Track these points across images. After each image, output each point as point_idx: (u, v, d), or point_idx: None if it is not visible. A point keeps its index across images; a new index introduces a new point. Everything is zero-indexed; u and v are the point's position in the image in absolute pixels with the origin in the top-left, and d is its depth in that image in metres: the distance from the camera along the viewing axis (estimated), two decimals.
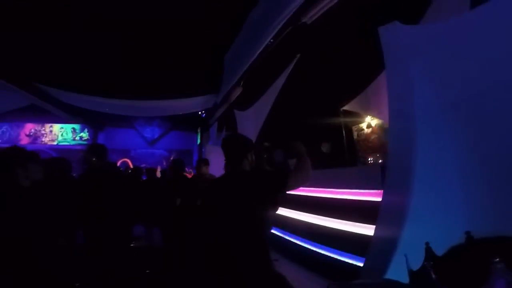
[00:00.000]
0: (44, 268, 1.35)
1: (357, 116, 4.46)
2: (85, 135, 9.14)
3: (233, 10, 4.16)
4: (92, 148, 2.16)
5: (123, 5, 4.25)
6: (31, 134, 8.91)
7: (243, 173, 1.33)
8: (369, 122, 4.37)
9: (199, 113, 7.33)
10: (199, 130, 9.06)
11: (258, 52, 3.61)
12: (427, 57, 1.26)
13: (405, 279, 1.21)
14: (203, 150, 8.58)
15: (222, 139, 1.70)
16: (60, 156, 7.66)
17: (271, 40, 3.36)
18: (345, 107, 4.23)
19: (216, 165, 5.54)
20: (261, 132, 4.64)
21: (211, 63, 5.42)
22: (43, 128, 9.00)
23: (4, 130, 8.77)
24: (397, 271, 1.27)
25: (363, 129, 4.51)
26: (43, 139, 8.98)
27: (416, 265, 1.17)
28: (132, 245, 2.88)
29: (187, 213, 2.75)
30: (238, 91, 4.98)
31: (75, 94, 5.60)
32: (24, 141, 8.81)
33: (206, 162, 3.35)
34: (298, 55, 3.34)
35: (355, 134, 4.66)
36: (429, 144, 1.19)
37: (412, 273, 1.15)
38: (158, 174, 9.04)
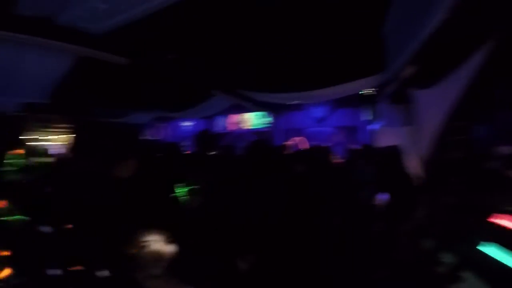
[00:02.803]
0: None
1: None
2: (269, 119, 11.30)
3: None
4: None
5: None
6: (235, 122, 12.18)
7: None
8: None
9: (365, 91, 7.04)
10: (366, 106, 8.66)
11: (431, 29, 2.95)
12: None
13: None
14: (370, 128, 8.22)
15: None
16: (258, 137, 10.17)
17: (446, 14, 2.62)
18: None
19: None
20: (452, 113, 3.87)
21: (368, 40, 4.97)
22: (241, 117, 12.01)
23: (220, 121, 12.53)
24: None
25: None
26: (241, 125, 12.04)
27: None
28: None
29: None
30: (411, 68, 4.31)
31: (262, 93, 7.15)
32: (231, 127, 12.26)
33: None
34: (498, 31, 2.40)
35: None
36: None
37: None
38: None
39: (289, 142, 10.65)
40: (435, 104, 4.15)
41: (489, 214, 2.64)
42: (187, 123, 12.97)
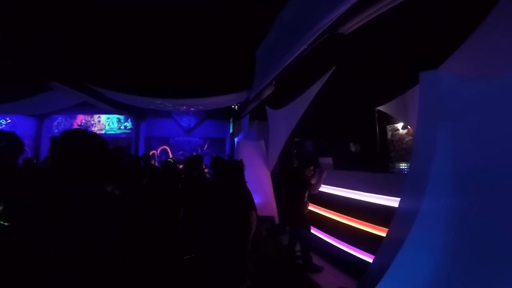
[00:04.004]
0: None
1: (392, 117, 4.41)
2: (129, 124, 9.98)
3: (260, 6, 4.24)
4: None
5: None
6: (82, 124, 9.94)
7: None
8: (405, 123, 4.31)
9: (232, 106, 7.65)
10: (231, 120, 9.41)
11: (292, 57, 3.67)
12: (461, 114, 1.34)
13: (406, 277, 1.33)
14: (235, 139, 8.97)
15: None
16: (110, 144, 8.66)
17: (305, 47, 3.39)
18: (380, 108, 4.20)
19: (248, 162, 5.86)
20: (293, 131, 4.81)
21: (242, 59, 5.57)
22: (92, 119, 9.98)
23: (59, 121, 9.89)
24: (400, 273, 1.34)
25: (398, 130, 4.46)
26: (92, 129, 9.97)
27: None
28: None
29: None
30: (270, 90, 5.11)
31: (123, 94, 6.17)
32: None
33: None
34: (334, 67, 3.35)
35: (389, 134, 4.62)
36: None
37: None
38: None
39: (152, 152, 9.90)
40: (283, 123, 5.07)
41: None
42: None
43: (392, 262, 1.24)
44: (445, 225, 1.25)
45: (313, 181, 3.37)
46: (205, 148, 10.49)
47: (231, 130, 9.57)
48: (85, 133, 1.00)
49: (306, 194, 3.40)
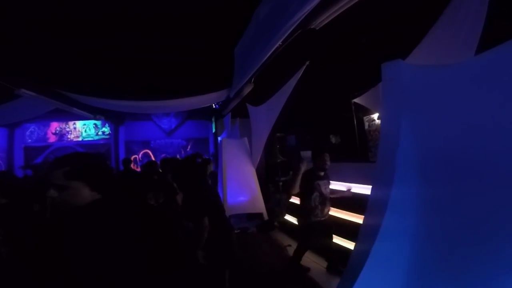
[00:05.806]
0: None
1: (368, 108, 4.55)
2: (106, 130, 9.65)
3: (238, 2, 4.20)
4: None
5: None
6: (57, 132, 9.49)
7: None
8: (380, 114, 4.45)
9: (213, 105, 7.57)
10: (213, 119, 9.33)
11: (269, 54, 3.69)
12: (423, 102, 1.41)
13: (385, 265, 1.36)
14: (218, 139, 8.91)
15: None
16: (87, 150, 8.28)
17: (280, 43, 3.42)
18: (356, 100, 4.32)
19: (232, 160, 5.86)
20: (274, 126, 4.86)
21: (221, 57, 5.51)
22: (67, 126, 9.55)
23: (32, 130, 9.38)
24: (378, 258, 1.36)
25: (374, 120, 4.61)
26: (68, 136, 9.56)
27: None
28: None
29: None
30: (249, 87, 5.11)
31: (97, 98, 5.94)
32: (51, 139, 9.44)
33: None
34: (308, 62, 3.41)
35: (366, 124, 4.76)
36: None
37: None
38: None
39: (134, 156, 9.66)
40: (264, 119, 5.10)
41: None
42: None
43: (371, 250, 1.28)
44: (414, 211, 1.32)
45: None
46: (188, 149, 10.34)
47: (213, 130, 9.49)
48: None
49: (313, 197, 3.13)
